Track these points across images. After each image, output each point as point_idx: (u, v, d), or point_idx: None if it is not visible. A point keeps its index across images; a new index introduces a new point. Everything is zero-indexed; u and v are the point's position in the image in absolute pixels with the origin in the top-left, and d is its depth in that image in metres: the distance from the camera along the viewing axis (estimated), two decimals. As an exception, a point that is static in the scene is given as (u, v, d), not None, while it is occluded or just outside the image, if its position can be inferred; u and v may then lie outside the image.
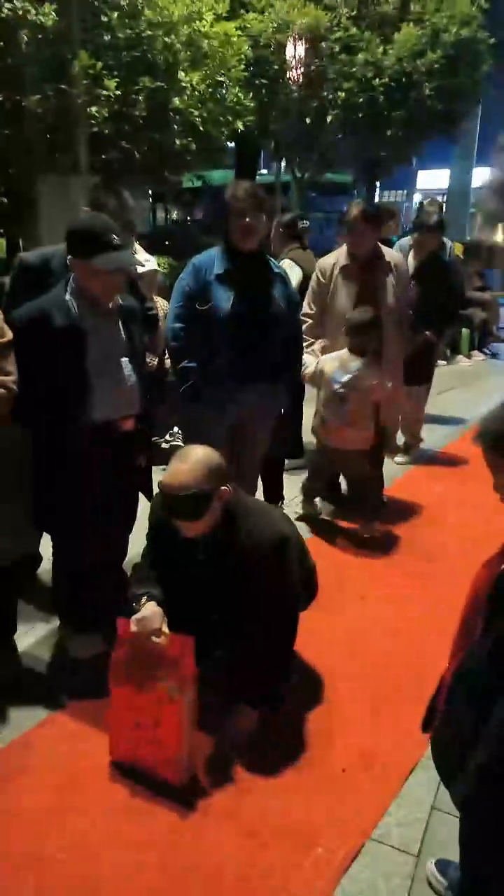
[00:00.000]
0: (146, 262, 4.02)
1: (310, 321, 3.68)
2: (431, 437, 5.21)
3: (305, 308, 3.71)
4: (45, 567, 2.96)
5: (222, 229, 2.82)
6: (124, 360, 2.45)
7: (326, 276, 3.66)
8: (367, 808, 2.01)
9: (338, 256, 3.66)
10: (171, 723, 2.01)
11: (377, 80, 7.98)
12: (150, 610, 2.05)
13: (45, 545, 2.75)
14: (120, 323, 2.45)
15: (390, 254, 3.75)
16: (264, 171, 17.69)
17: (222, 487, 2.05)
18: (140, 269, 3.87)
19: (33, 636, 2.78)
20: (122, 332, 2.45)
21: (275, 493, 3.81)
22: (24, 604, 2.83)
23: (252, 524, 2.12)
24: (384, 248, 3.73)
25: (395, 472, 4.65)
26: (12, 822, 1.94)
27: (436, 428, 5.49)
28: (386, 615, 3.00)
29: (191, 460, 2.01)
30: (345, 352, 3.47)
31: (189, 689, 2.01)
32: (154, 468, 2.70)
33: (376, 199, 19.33)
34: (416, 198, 30.06)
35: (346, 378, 3.38)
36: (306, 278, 3.97)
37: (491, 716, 1.31)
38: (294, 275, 4.08)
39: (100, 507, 2.47)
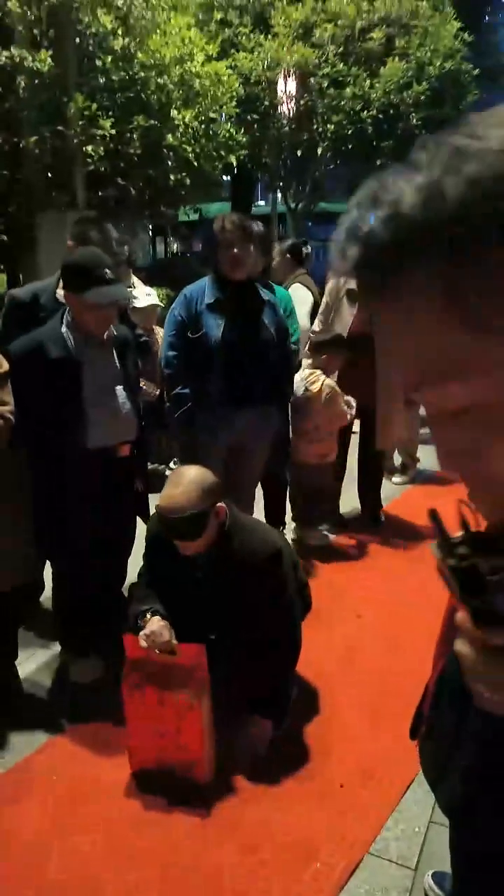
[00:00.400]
0: (147, 295, 4.14)
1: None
2: (429, 458, 5.26)
3: (315, 326, 3.87)
4: (46, 594, 3.01)
5: (212, 260, 2.92)
6: (119, 388, 2.52)
7: (332, 297, 3.76)
8: (366, 823, 2.02)
9: (349, 278, 3.75)
10: (192, 729, 2.08)
11: (365, 112, 8.21)
12: (157, 624, 2.10)
13: (47, 572, 2.80)
14: (114, 352, 2.53)
15: None
16: (261, 203, 18.04)
17: (218, 504, 2.11)
18: (140, 304, 3.99)
19: (34, 662, 2.81)
20: (117, 362, 2.53)
21: (277, 518, 3.85)
22: (26, 630, 2.87)
23: (247, 539, 2.17)
24: None
25: (394, 492, 4.69)
26: (13, 845, 1.96)
27: (432, 448, 5.54)
28: (383, 632, 3.02)
29: (184, 482, 2.07)
30: (305, 368, 3.65)
31: (206, 693, 2.08)
32: (152, 495, 2.76)
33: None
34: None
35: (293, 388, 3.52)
36: (317, 302, 4.08)
37: (469, 717, 1.34)
38: (307, 299, 4.18)
39: (98, 532, 2.52)
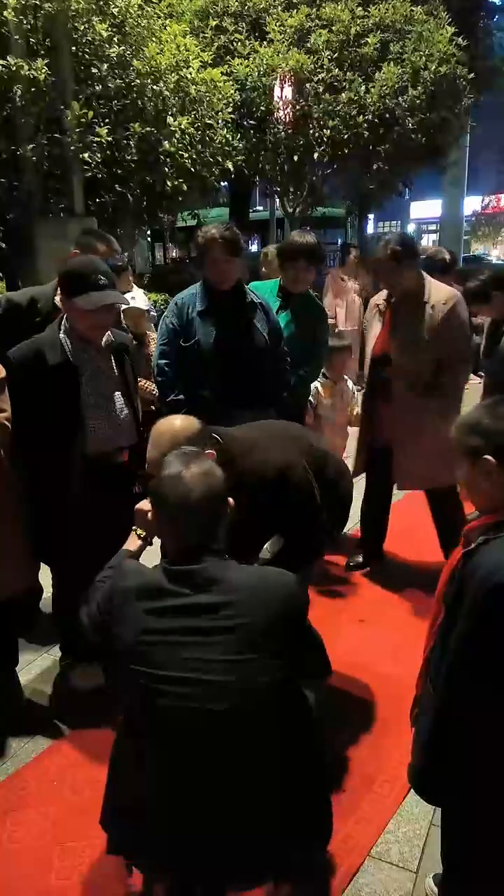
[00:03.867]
0: (132, 298, 4.17)
1: None
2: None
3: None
4: (45, 600, 3.01)
5: (201, 268, 2.93)
6: (117, 394, 2.54)
7: (369, 312, 3.62)
8: (368, 826, 2.03)
9: (383, 293, 3.53)
10: None
11: (361, 117, 8.21)
12: None
13: (46, 577, 2.80)
14: (112, 358, 2.54)
15: (438, 294, 3.30)
16: (260, 208, 18.10)
17: (206, 452, 1.95)
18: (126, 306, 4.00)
19: (35, 668, 2.82)
20: (115, 368, 2.55)
21: None
22: (26, 636, 2.88)
23: (251, 464, 2.07)
24: (437, 286, 3.35)
25: (394, 496, 4.69)
26: (14, 851, 1.96)
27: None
28: (385, 638, 3.02)
29: (164, 442, 1.94)
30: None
31: None
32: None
33: (370, 231, 19.72)
34: (411, 228, 30.66)
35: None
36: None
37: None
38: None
39: (98, 536, 2.52)
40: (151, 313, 4.44)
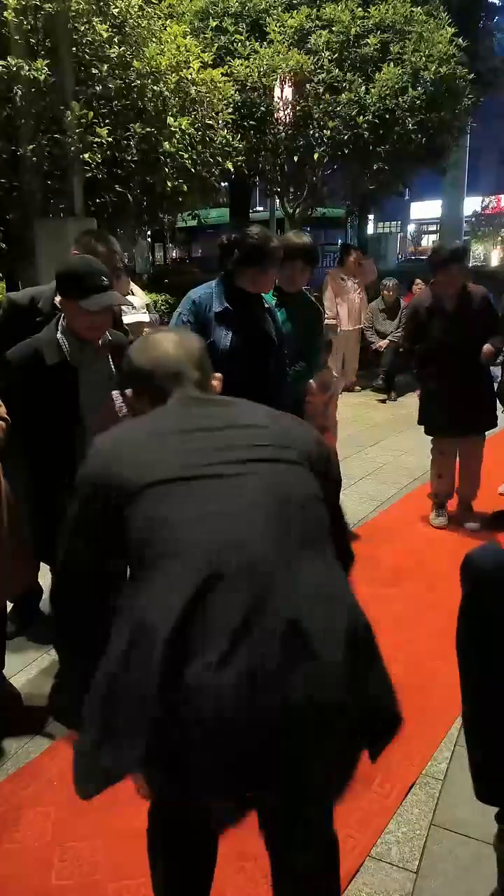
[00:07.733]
0: (143, 310, 4.17)
1: None
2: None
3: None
4: (45, 598, 3.01)
5: (227, 266, 2.88)
6: (115, 393, 2.54)
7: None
8: (367, 826, 2.02)
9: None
10: None
11: (361, 117, 8.21)
12: None
13: (45, 578, 2.80)
14: (110, 358, 2.54)
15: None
16: (260, 209, 18.12)
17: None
18: (126, 319, 4.01)
19: (35, 667, 2.81)
20: (113, 367, 2.55)
21: None
22: (26, 635, 2.88)
23: None
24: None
25: (392, 497, 4.70)
26: (14, 851, 1.96)
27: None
28: (385, 641, 2.99)
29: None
30: None
31: None
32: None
33: (370, 231, 19.74)
34: (411, 228, 30.66)
35: None
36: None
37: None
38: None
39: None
40: (153, 317, 4.43)
